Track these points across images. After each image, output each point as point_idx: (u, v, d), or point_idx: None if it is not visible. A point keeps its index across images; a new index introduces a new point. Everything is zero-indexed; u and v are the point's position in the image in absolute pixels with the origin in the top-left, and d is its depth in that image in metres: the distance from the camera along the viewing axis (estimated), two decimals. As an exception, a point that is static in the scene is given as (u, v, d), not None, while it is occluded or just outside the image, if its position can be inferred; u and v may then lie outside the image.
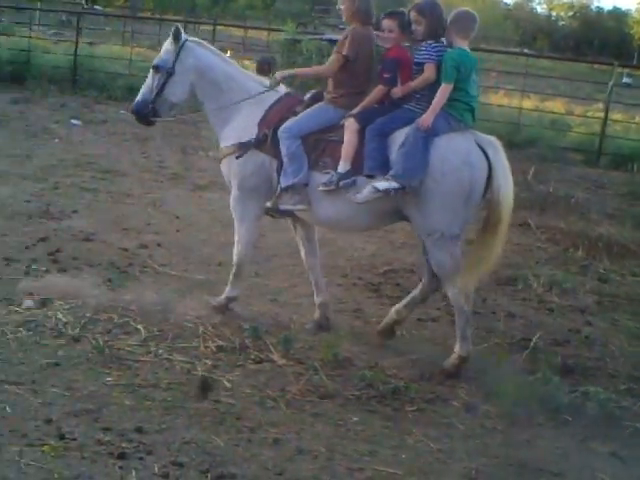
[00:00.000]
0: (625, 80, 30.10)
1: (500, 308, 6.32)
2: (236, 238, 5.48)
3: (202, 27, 43.12)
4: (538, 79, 23.96)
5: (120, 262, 6.46)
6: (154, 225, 7.65)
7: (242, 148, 5.20)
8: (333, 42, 5.39)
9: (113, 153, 10.85)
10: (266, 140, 5.13)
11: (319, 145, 5.05)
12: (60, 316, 5.12)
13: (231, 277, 5.51)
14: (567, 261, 7.78)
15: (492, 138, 4.95)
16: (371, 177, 4.79)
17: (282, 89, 5.40)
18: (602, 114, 15.03)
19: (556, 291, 6.81)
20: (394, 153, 4.77)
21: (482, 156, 4.78)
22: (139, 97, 5.48)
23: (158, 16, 50.96)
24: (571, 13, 79.72)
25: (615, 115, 16.65)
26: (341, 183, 4.86)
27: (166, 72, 5.36)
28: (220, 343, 5.00)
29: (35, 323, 5.02)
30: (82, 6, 53.69)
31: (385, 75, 4.98)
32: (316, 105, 5.20)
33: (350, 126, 4.89)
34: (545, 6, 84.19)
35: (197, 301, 5.63)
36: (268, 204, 5.22)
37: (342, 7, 5.15)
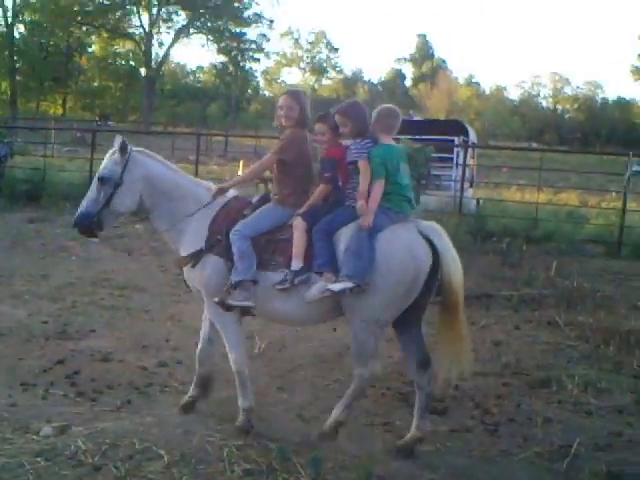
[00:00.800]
0: (635, 168, 30.26)
1: (536, 413, 6.05)
2: (227, 346, 5.42)
3: (214, 138, 44.35)
4: (550, 172, 24.13)
5: (140, 382, 6.30)
6: (173, 341, 7.50)
7: (195, 257, 5.30)
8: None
9: (131, 268, 10.86)
10: (218, 243, 5.24)
11: (270, 245, 5.19)
12: (80, 443, 4.90)
13: (237, 388, 5.41)
14: (599, 359, 7.51)
15: (434, 224, 5.13)
16: (320, 274, 4.95)
17: (231, 192, 5.52)
18: (617, 204, 14.98)
19: (592, 392, 6.53)
20: (341, 250, 4.95)
21: (426, 246, 4.95)
22: (82, 210, 5.35)
23: (171, 129, 52.43)
24: (576, 106, 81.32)
25: (630, 204, 16.57)
26: (296, 280, 5.00)
27: (114, 183, 5.33)
28: (246, 466, 4.73)
29: (54, 452, 4.80)
30: (96, 123, 55.49)
31: (325, 175, 5.19)
32: (265, 206, 5.36)
33: (298, 225, 5.07)
34: (550, 100, 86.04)
35: (220, 421, 5.41)
36: (216, 299, 5.19)
37: (286, 113, 5.35)
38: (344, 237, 4.96)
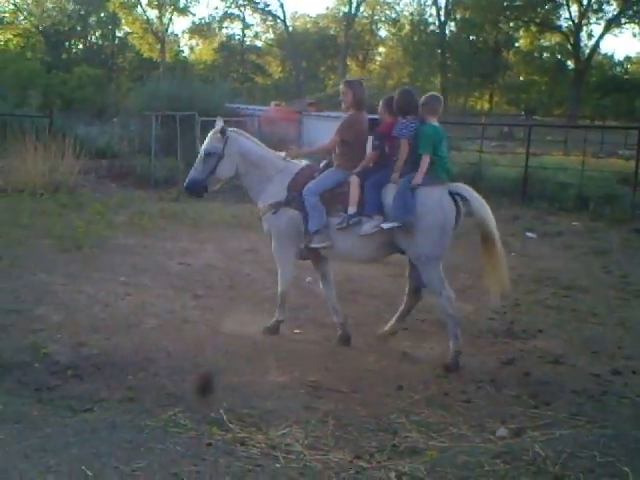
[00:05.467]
0: None
1: None
2: (279, 275, 7.11)
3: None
4: None
5: (593, 390, 6.00)
6: (626, 348, 7.06)
7: (275, 206, 6.91)
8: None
9: (572, 268, 10.55)
10: (294, 199, 6.81)
11: (333, 198, 6.72)
12: (537, 449, 4.76)
13: (278, 306, 7.16)
14: None
15: (462, 185, 6.65)
16: (370, 217, 6.51)
17: (303, 162, 7.21)
18: None
19: None
20: (388, 201, 6.45)
21: (451, 201, 6.43)
22: (192, 177, 7.03)
23: (599, 123, 50.18)
24: None
25: None
26: (351, 221, 6.58)
27: (217, 156, 6.94)
28: None
29: (512, 455, 4.71)
30: (522, 118, 55.44)
31: (376, 143, 6.74)
32: (328, 170, 6.93)
33: (354, 181, 6.63)
34: None
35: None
36: (302, 245, 6.89)
37: (343, 98, 6.86)
38: (390, 192, 6.46)
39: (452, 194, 6.44)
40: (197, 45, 73.52)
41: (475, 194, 6.51)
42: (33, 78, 38.32)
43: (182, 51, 72.68)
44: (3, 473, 3.97)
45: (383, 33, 74.84)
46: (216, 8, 69.63)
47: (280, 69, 71.54)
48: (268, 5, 68.11)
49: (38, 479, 3.92)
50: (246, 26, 71.63)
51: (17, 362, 6.13)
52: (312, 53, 69.12)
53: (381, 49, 76.19)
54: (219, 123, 7.08)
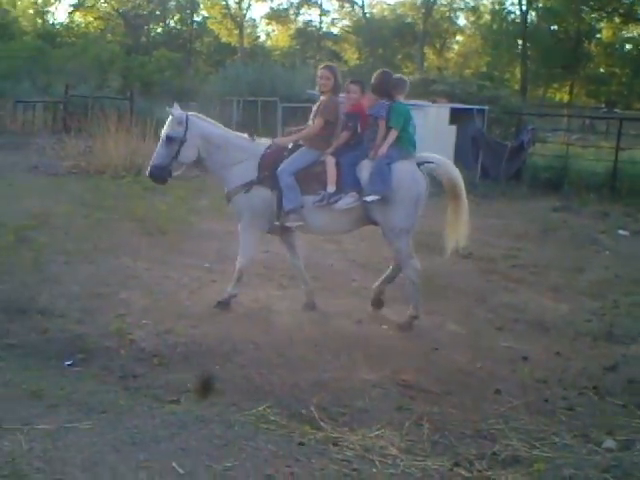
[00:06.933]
0: None
1: None
2: (241, 251, 7.20)
3: None
4: None
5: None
6: None
7: (247, 185, 7.00)
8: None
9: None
10: (265, 179, 6.96)
11: (307, 177, 6.90)
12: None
13: (233, 280, 7.26)
14: None
15: (430, 154, 7.12)
16: (346, 193, 6.81)
17: (264, 140, 7.31)
18: None
19: None
20: (364, 177, 6.80)
21: (422, 175, 6.90)
22: (155, 163, 7.01)
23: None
24: None
25: None
26: (331, 199, 6.84)
27: (179, 141, 6.95)
28: None
29: (621, 470, 4.38)
30: (604, 110, 53.72)
31: (349, 124, 6.98)
32: (300, 149, 7.07)
33: (329, 161, 6.89)
34: None
35: None
36: (277, 222, 7.02)
37: (324, 82, 7.02)
38: (365, 168, 6.83)
39: (420, 165, 6.95)
40: (273, 31, 73.59)
41: (442, 158, 7.19)
42: (113, 61, 38.93)
43: (258, 37, 72.90)
44: (93, 467, 3.84)
45: (462, 22, 73.56)
46: (295, -6, 69.57)
47: (356, 56, 71.03)
48: (346, -9, 67.70)
49: (129, 475, 3.78)
50: (323, 12, 71.41)
51: (102, 348, 6.06)
52: (389, 41, 68.34)
53: (458, 37, 74.93)
54: (177, 108, 7.06)
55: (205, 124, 7.21)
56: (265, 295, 7.74)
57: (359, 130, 6.99)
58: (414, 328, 6.96)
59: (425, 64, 64.54)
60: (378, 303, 7.44)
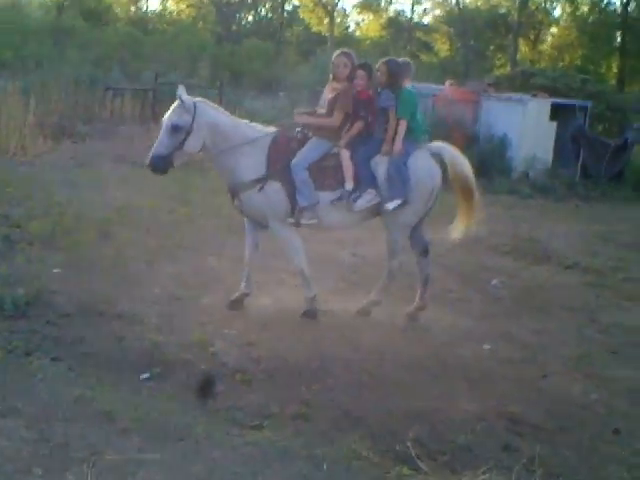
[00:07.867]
0: None
1: None
2: (290, 253, 6.87)
3: None
4: None
5: None
6: None
7: (260, 182, 6.50)
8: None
9: None
10: (277, 173, 6.48)
11: (320, 172, 6.51)
12: None
13: (302, 283, 6.85)
14: None
15: (441, 144, 6.95)
16: (363, 190, 6.48)
17: (271, 129, 6.83)
18: None
19: None
20: (380, 173, 6.53)
21: (438, 167, 6.71)
22: (157, 152, 6.30)
23: None
24: None
25: None
26: (351, 197, 6.50)
27: (185, 131, 6.31)
28: None
29: None
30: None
31: (361, 114, 6.62)
32: (310, 141, 6.63)
33: (344, 155, 6.52)
34: None
35: None
36: (291, 220, 6.59)
37: (342, 70, 6.59)
38: (381, 164, 6.54)
39: (437, 153, 6.74)
40: (363, 21, 72.85)
41: (454, 151, 6.82)
42: (203, 49, 38.97)
43: (348, 27, 72.25)
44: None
45: (558, 12, 71.24)
46: (387, -16, 68.65)
47: (447, 47, 69.73)
48: (441, -19, 66.46)
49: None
50: (416, 2, 70.33)
51: (181, 360, 5.60)
52: (481, 31, 66.77)
53: (553, 29, 72.65)
54: (184, 92, 6.41)
55: (213, 112, 6.66)
56: (354, 304, 7.12)
57: (369, 120, 6.67)
58: (372, 314, 6.93)
59: (517, 56, 62.81)
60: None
